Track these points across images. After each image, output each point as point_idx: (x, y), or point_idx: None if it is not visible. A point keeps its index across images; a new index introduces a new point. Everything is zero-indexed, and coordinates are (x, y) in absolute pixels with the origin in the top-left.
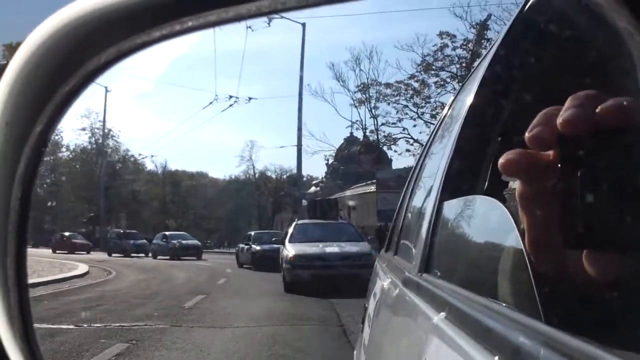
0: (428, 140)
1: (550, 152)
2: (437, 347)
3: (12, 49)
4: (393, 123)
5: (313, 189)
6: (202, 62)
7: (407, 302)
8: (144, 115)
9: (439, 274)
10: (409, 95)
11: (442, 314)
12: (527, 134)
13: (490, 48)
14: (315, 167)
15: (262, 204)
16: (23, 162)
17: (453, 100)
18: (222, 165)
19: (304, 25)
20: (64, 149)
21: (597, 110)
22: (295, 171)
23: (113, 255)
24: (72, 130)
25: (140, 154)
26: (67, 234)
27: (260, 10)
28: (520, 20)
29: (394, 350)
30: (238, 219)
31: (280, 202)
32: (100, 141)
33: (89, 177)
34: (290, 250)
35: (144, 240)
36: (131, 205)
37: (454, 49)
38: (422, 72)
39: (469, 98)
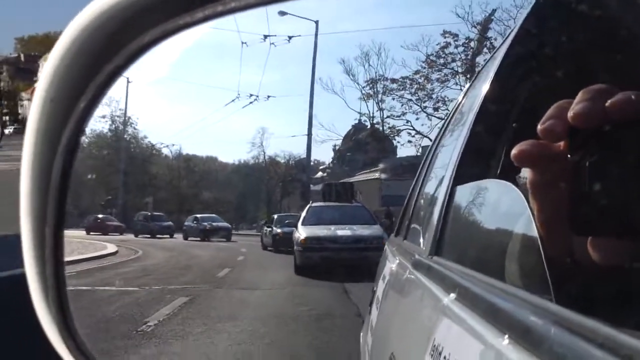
0: (442, 127)
1: (561, 144)
2: (447, 327)
3: (24, 42)
4: (397, 116)
5: (320, 174)
6: (215, 49)
7: (417, 284)
8: (158, 101)
9: (449, 256)
10: (413, 90)
11: (453, 295)
12: (539, 126)
13: (507, 36)
14: (323, 153)
15: (270, 188)
16: (65, 136)
17: (468, 88)
18: (232, 150)
19: (317, 22)
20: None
21: (606, 104)
22: (303, 156)
23: (140, 236)
24: (94, 118)
25: (162, 143)
26: (100, 216)
27: None
28: (537, 8)
29: (402, 331)
30: (247, 202)
31: (289, 186)
32: (120, 128)
33: (107, 161)
34: (302, 232)
35: (170, 223)
36: (148, 189)
37: (456, 47)
38: (426, 68)
39: (484, 86)
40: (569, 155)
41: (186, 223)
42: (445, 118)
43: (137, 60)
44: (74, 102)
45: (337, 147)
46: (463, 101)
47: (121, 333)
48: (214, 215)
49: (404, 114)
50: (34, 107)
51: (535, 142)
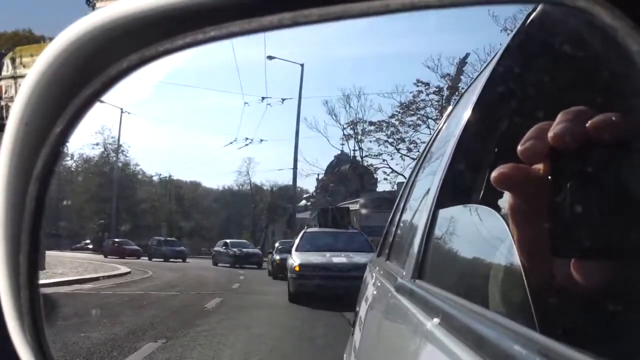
0: (424, 150)
1: (541, 167)
2: (430, 353)
3: (4, 38)
4: (375, 155)
5: (303, 202)
6: (200, 73)
7: (400, 308)
8: (142, 125)
9: (432, 280)
10: (388, 133)
11: (436, 320)
12: (519, 147)
13: (490, 60)
14: (308, 181)
15: (256, 215)
16: (40, 161)
17: (450, 112)
18: (216, 176)
19: (302, 65)
20: (68, 158)
21: (587, 125)
22: (287, 184)
23: (153, 260)
24: (86, 145)
25: (157, 173)
26: (117, 240)
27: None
28: (521, 34)
29: (385, 354)
30: (230, 228)
31: (274, 214)
32: (112, 155)
33: (98, 187)
34: (295, 259)
35: (182, 247)
36: (139, 214)
37: (428, 94)
38: (399, 113)
39: (466, 110)
40: (549, 177)
41: (216, 248)
42: (428, 141)
43: (116, 85)
44: (50, 126)
45: (320, 177)
46: (445, 126)
47: (195, 311)
48: (244, 240)
49: (380, 154)
50: (7, 131)
51: (515, 165)
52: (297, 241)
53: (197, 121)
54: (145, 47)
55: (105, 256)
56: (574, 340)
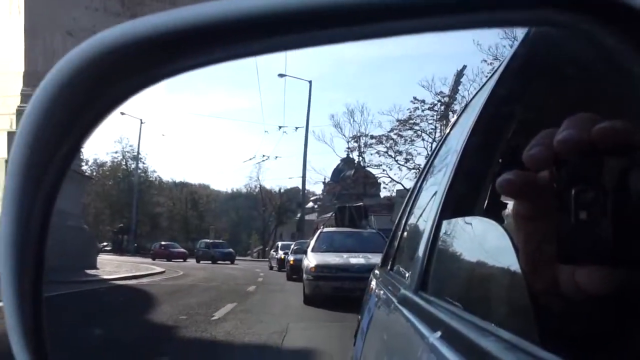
0: (429, 159)
1: (547, 173)
2: None
3: None
4: (376, 166)
5: (310, 204)
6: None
7: (402, 319)
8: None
9: (436, 292)
10: (388, 145)
11: (438, 333)
12: (524, 154)
13: (496, 70)
14: (315, 186)
15: (266, 218)
16: (47, 180)
17: (455, 122)
18: (225, 179)
19: (310, 82)
20: (83, 164)
21: (592, 131)
22: (296, 187)
23: (201, 262)
24: (106, 153)
25: (171, 179)
26: (163, 243)
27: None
28: (527, 42)
29: None
30: (240, 230)
31: (283, 217)
32: (129, 163)
33: (116, 191)
34: (311, 260)
35: (230, 249)
36: (155, 217)
37: (423, 110)
38: (398, 127)
39: (470, 120)
40: (554, 185)
41: (273, 252)
42: (432, 151)
43: (127, 101)
44: (64, 132)
45: (327, 182)
46: (449, 136)
47: (242, 292)
48: (292, 242)
49: (380, 165)
50: (14, 149)
51: (520, 172)
52: (312, 242)
53: (214, 131)
54: (152, 68)
55: (154, 259)
56: (578, 356)
